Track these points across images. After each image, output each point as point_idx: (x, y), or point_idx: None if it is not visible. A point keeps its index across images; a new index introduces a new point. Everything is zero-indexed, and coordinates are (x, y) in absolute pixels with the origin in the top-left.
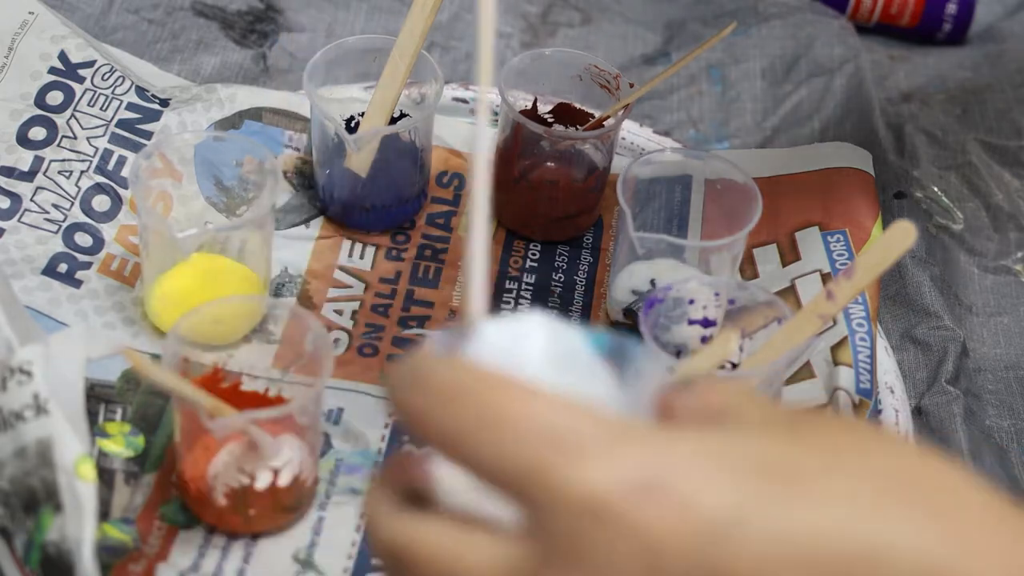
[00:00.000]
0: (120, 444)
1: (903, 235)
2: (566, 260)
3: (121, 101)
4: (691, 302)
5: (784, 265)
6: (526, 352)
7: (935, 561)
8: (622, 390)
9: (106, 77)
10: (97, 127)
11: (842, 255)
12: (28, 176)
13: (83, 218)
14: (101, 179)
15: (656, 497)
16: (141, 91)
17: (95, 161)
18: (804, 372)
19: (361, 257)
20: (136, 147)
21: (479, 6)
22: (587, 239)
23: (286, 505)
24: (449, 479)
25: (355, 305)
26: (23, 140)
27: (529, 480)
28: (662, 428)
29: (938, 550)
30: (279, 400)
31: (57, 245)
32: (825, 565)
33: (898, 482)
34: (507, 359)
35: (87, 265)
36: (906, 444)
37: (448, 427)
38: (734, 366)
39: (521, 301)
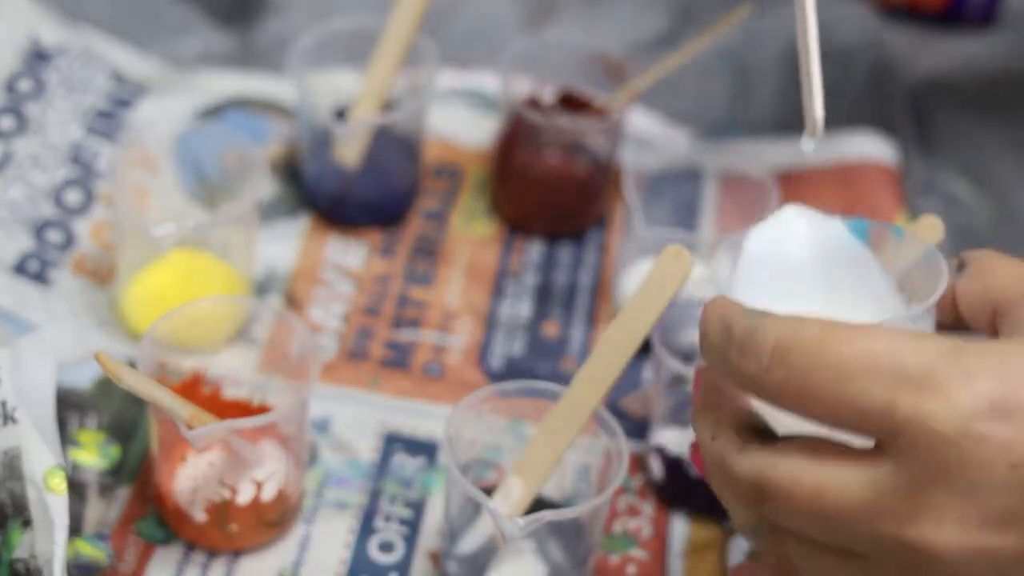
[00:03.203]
0: (94, 454)
1: (931, 231)
2: (569, 258)
3: (97, 89)
4: (702, 303)
5: None
6: (792, 251)
7: None
8: (889, 279)
9: (81, 64)
10: (71, 117)
11: None
12: None
13: (55, 213)
14: (75, 172)
15: (1012, 416)
16: (118, 78)
17: (68, 153)
18: None
19: (351, 254)
20: (112, 138)
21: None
22: (592, 236)
23: (270, 520)
24: (779, 415)
25: (344, 306)
26: None
27: (886, 417)
28: (987, 344)
29: None
30: (263, 408)
31: (27, 242)
32: None
33: None
34: (775, 262)
35: (59, 263)
36: None
37: (790, 382)
38: None
39: (522, 301)
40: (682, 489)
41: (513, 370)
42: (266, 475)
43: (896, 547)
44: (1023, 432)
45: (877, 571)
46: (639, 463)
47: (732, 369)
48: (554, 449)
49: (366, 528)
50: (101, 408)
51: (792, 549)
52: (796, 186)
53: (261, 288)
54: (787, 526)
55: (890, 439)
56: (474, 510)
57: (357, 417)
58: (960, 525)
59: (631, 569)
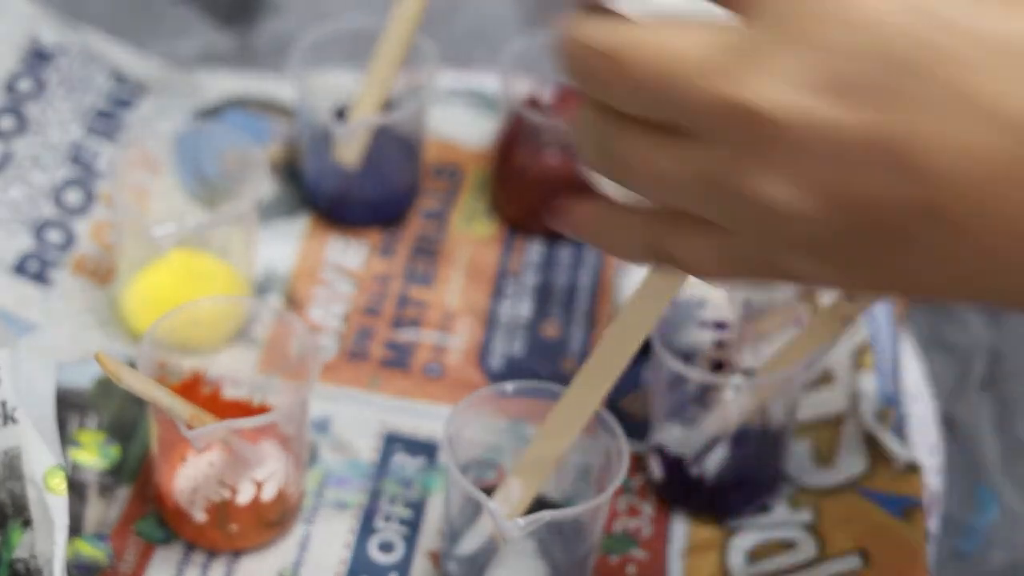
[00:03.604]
0: (94, 454)
1: None
2: (570, 259)
3: (97, 89)
4: (702, 303)
5: None
6: None
7: None
8: None
9: (81, 64)
10: (71, 117)
11: None
12: None
13: (55, 213)
14: (75, 172)
15: None
16: (118, 78)
17: (69, 153)
18: (824, 378)
19: (351, 254)
20: (112, 138)
21: None
22: None
23: (270, 520)
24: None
25: (344, 306)
26: None
27: None
28: None
29: None
30: (263, 408)
31: (27, 242)
32: None
33: None
34: None
35: (59, 263)
36: None
37: None
38: (746, 373)
39: (522, 301)
40: (682, 489)
41: (513, 370)
42: (266, 475)
43: (723, 108)
44: (880, 1)
45: (707, 149)
46: (639, 463)
47: None
48: (554, 449)
49: (366, 528)
50: (101, 408)
51: (621, 142)
52: None
53: (261, 288)
54: (613, 94)
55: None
56: (474, 510)
57: (357, 417)
58: (791, 83)
59: (631, 569)
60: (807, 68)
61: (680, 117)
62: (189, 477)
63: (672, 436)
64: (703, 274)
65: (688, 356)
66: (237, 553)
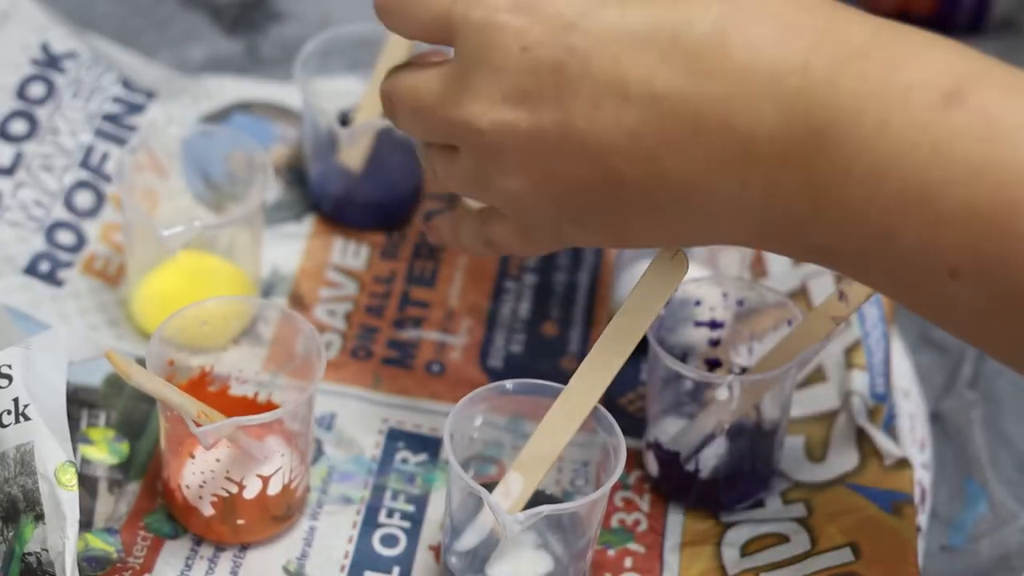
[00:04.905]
0: (104, 451)
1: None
2: (568, 259)
3: (106, 94)
4: (697, 303)
5: (795, 264)
6: None
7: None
8: None
9: (90, 69)
10: (81, 121)
11: None
12: (8, 172)
13: (66, 215)
14: (85, 175)
15: (526, 10)
16: (126, 83)
17: (79, 156)
18: (816, 376)
19: (355, 256)
20: (121, 141)
21: None
22: None
23: (276, 514)
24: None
25: (348, 306)
26: (3, 134)
27: (446, 20)
28: None
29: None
30: (269, 405)
31: (39, 243)
32: (648, 37)
33: None
34: None
35: (70, 264)
36: None
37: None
38: (743, 370)
39: (522, 301)
40: (678, 484)
41: (513, 369)
42: (272, 470)
43: (457, 128)
44: (533, 23)
45: (464, 158)
46: (636, 459)
47: None
48: (553, 445)
49: (369, 522)
50: (111, 405)
51: (430, 156)
52: None
53: (267, 288)
54: (406, 128)
55: (454, 41)
56: (475, 505)
57: (361, 414)
58: (488, 101)
59: (628, 562)
60: (495, 87)
61: (441, 138)
62: (197, 472)
63: (668, 433)
64: (514, 251)
65: (684, 355)
66: (244, 546)
